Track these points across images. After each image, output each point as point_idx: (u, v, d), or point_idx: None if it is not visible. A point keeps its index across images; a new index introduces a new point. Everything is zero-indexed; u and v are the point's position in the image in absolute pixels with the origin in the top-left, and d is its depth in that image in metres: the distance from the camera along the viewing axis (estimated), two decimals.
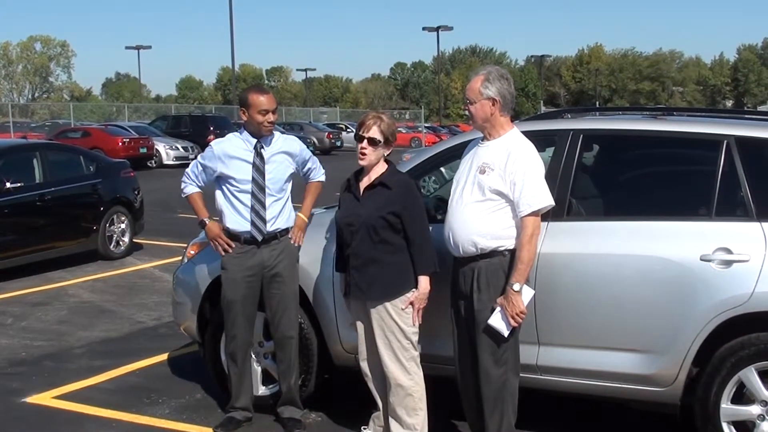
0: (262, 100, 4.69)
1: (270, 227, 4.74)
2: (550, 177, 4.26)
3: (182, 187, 4.98)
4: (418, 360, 4.37)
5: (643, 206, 4.46)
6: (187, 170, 4.99)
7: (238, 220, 4.74)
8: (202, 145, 24.51)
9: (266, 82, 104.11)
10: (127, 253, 11.06)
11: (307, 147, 5.17)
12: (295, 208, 4.95)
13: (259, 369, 5.16)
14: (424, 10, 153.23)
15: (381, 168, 4.35)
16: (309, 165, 5.02)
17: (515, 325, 4.01)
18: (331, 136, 40.37)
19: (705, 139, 4.34)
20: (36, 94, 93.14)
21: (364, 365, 4.51)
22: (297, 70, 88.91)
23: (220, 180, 4.80)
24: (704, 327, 4.02)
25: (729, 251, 4.01)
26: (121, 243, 11.04)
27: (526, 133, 4.22)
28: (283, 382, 4.91)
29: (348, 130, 41.30)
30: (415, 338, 4.33)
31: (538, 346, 4.36)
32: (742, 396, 4.07)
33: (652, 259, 4.14)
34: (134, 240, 11.36)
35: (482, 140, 4.23)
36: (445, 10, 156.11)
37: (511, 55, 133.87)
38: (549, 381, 4.43)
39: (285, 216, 4.82)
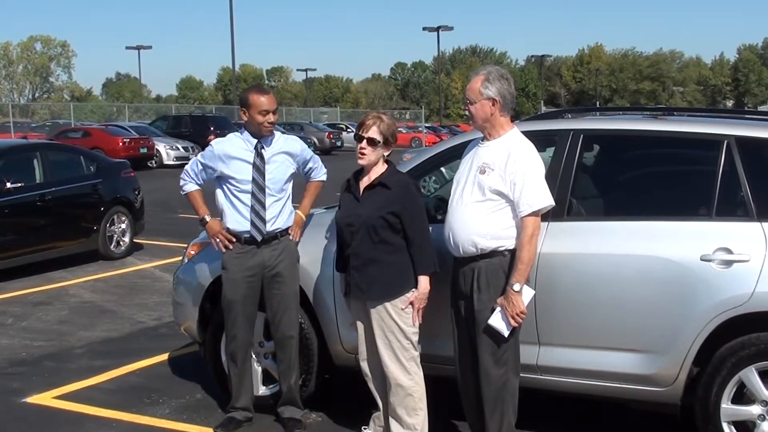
0: (263, 101, 4.69)
1: (270, 227, 4.74)
2: (551, 177, 4.26)
3: (181, 184, 4.98)
4: (418, 360, 4.37)
5: (643, 206, 4.46)
6: (186, 168, 4.99)
7: (238, 220, 4.75)
8: (203, 145, 24.48)
9: (266, 82, 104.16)
10: (127, 253, 11.07)
11: (308, 147, 5.17)
12: (296, 209, 4.95)
13: (259, 369, 5.16)
14: (424, 10, 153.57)
15: (381, 168, 4.36)
16: (310, 164, 5.02)
17: (515, 325, 4.01)
18: (331, 136, 40.39)
19: (705, 139, 4.34)
20: (36, 95, 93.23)
21: (365, 365, 4.51)
22: (297, 70, 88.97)
23: (221, 180, 4.80)
24: (704, 327, 4.02)
25: (729, 251, 4.01)
26: (121, 243, 11.05)
27: (527, 133, 4.22)
28: (284, 382, 4.91)
29: (348, 130, 41.29)
30: (415, 338, 4.33)
31: (538, 346, 4.36)
32: (743, 396, 4.07)
33: (653, 259, 4.14)
34: (135, 240, 11.37)
35: (482, 140, 4.23)
36: (445, 10, 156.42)
37: (511, 55, 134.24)
38: (549, 381, 4.43)
39: (285, 216, 4.82)
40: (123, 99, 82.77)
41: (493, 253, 4.06)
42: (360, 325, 4.47)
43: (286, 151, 4.85)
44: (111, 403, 5.38)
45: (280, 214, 4.78)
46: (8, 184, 9.55)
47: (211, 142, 4.95)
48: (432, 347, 4.48)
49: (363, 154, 4.32)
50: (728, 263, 4.00)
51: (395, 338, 4.29)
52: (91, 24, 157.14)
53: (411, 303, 4.26)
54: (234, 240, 4.77)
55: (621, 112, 5.51)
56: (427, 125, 52.75)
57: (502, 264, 4.06)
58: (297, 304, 4.86)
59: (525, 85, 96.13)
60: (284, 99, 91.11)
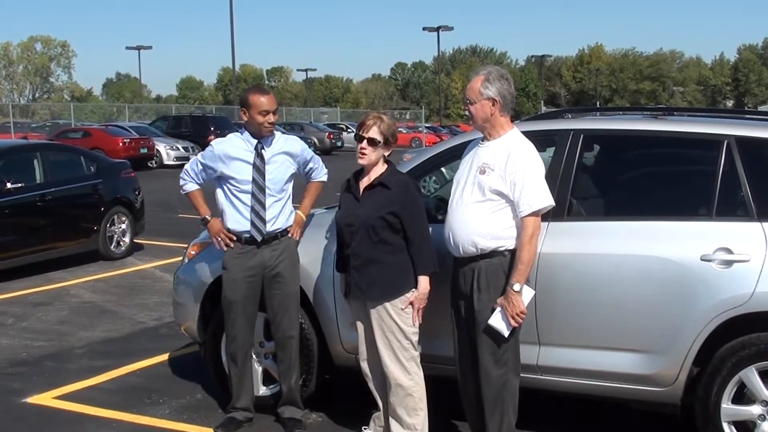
0: (263, 101, 4.70)
1: (270, 227, 4.74)
2: (551, 177, 4.26)
3: (181, 184, 4.98)
4: (418, 360, 4.37)
5: (643, 206, 4.46)
6: (186, 167, 4.99)
7: (238, 220, 4.75)
8: (203, 145, 24.48)
9: (267, 82, 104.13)
10: (127, 254, 11.07)
11: (309, 147, 5.17)
12: (296, 209, 4.95)
13: (259, 369, 5.16)
14: (424, 10, 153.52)
15: (381, 168, 4.36)
16: (311, 165, 5.02)
17: (515, 325, 4.01)
18: (331, 136, 40.40)
19: (705, 139, 4.34)
20: (36, 95, 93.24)
21: (365, 365, 4.52)
22: (297, 70, 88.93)
23: (221, 180, 4.80)
24: (705, 327, 4.02)
25: (729, 251, 4.01)
26: (121, 243, 11.05)
27: (527, 133, 4.22)
28: (284, 382, 4.91)
29: (348, 130, 41.30)
30: (415, 338, 4.34)
31: (538, 346, 4.36)
32: (743, 396, 4.07)
33: (653, 259, 4.14)
34: (135, 240, 11.37)
35: (482, 140, 4.23)
36: (445, 10, 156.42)
37: (511, 55, 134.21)
38: (549, 381, 4.43)
39: (285, 216, 4.82)
40: (123, 99, 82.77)
41: (493, 254, 4.06)
42: (360, 325, 4.47)
43: (286, 151, 4.85)
44: (111, 404, 5.39)
45: (280, 215, 4.78)
46: (8, 185, 9.55)
47: (212, 143, 4.95)
48: (432, 347, 4.48)
49: (363, 154, 4.32)
50: (728, 263, 4.00)
51: (395, 338, 4.30)
52: (91, 24, 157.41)
53: (411, 303, 4.27)
54: (235, 239, 4.77)
55: (621, 112, 5.51)
56: (427, 125, 52.76)
57: (502, 264, 4.06)
58: (297, 305, 4.86)
59: (525, 85, 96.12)
60: (284, 99, 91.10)
